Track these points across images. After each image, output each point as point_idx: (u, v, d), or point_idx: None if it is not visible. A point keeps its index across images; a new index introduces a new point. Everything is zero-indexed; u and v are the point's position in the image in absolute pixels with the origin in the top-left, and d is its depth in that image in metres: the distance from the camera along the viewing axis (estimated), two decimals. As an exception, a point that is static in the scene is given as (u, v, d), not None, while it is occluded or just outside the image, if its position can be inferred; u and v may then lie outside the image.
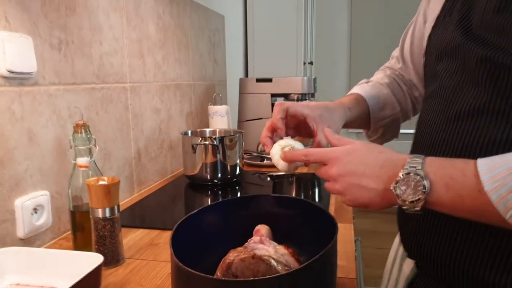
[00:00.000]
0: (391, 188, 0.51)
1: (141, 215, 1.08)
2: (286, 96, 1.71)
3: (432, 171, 0.50)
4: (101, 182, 0.74)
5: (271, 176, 1.38)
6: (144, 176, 1.24)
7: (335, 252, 0.59)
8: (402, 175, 0.50)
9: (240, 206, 0.74)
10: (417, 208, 0.50)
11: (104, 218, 0.74)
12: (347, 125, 0.80)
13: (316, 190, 1.27)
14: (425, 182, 0.49)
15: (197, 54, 1.64)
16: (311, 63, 2.79)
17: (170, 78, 1.40)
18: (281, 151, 0.68)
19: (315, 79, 1.73)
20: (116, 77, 1.08)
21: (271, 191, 1.25)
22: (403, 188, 0.50)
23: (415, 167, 0.50)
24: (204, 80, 1.73)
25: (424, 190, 0.49)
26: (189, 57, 1.56)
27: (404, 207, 0.51)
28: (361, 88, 0.87)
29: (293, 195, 1.22)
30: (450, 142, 0.58)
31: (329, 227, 0.62)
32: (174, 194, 1.27)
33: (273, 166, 1.50)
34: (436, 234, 0.60)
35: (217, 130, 1.41)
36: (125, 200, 1.14)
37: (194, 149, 1.23)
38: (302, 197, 1.20)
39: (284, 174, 1.39)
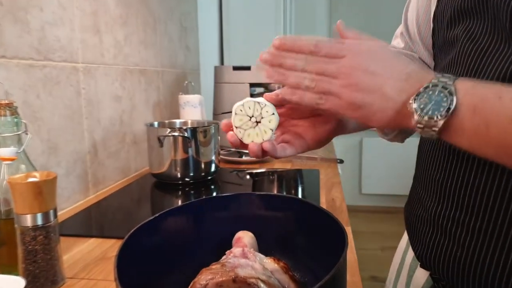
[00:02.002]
0: (410, 101, 0.40)
1: (96, 221, 0.89)
2: (266, 86, 1.56)
3: (464, 88, 0.39)
4: (30, 180, 0.56)
5: (250, 174, 1.22)
6: (101, 175, 1.05)
7: (344, 270, 0.44)
8: (428, 86, 0.40)
9: (215, 208, 0.58)
10: (435, 129, 0.39)
11: (35, 227, 0.55)
12: (353, 128, 0.62)
13: (300, 189, 1.11)
14: (453, 99, 0.38)
15: (166, 38, 1.46)
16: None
17: (133, 61, 1.21)
18: (243, 104, 0.50)
19: (297, 67, 1.58)
20: (64, 55, 0.89)
21: (250, 190, 1.09)
22: (424, 101, 0.39)
23: (445, 81, 0.39)
24: (175, 67, 1.55)
25: (450, 107, 0.38)
26: (157, 41, 1.38)
27: (419, 126, 0.40)
28: None
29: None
30: None
31: (332, 234, 0.47)
32: (139, 195, 1.09)
33: (253, 162, 1.35)
34: (467, 243, 0.47)
35: (189, 121, 1.24)
36: (78, 203, 0.96)
37: (161, 142, 1.05)
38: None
39: (265, 172, 1.23)
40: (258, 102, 0.50)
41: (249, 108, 0.50)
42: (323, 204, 0.93)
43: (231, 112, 0.52)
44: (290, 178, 1.20)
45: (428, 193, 0.56)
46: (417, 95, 0.39)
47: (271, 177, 1.21)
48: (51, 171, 0.85)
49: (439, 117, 0.38)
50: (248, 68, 1.53)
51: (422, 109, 0.39)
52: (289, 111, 0.57)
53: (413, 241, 0.60)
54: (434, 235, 0.53)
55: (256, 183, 1.17)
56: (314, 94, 0.44)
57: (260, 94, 1.56)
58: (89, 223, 0.88)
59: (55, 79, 0.86)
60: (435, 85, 0.39)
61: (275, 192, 1.09)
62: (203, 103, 1.44)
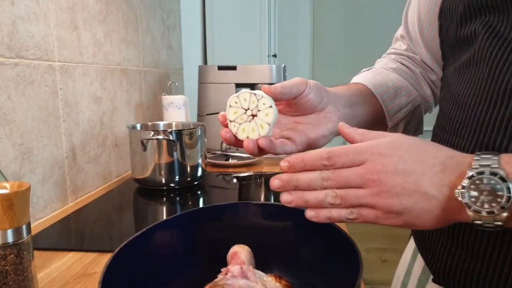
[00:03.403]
0: (456, 194, 0.35)
1: (76, 233, 0.83)
2: (253, 86, 1.51)
3: None
4: (-1, 191, 0.49)
5: (237, 178, 1.17)
6: (80, 181, 0.99)
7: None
8: (472, 175, 0.35)
9: (209, 219, 0.53)
10: (499, 223, 0.34)
11: (4, 246, 0.49)
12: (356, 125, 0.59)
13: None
14: (509, 185, 0.33)
15: (148, 37, 1.40)
16: (275, 55, 2.61)
17: (114, 60, 1.15)
18: (238, 95, 0.46)
19: (284, 67, 1.54)
20: (39, 52, 0.82)
21: (237, 194, 1.04)
22: (474, 194, 0.34)
23: (488, 164, 0.35)
24: (157, 67, 1.48)
25: (509, 195, 0.33)
26: (139, 39, 1.32)
27: (478, 222, 0.35)
28: (361, 77, 0.67)
29: (262, 199, 1.02)
30: (505, 124, 0.41)
31: (338, 247, 0.43)
32: (121, 202, 1.03)
33: (239, 166, 1.31)
34: (494, 259, 0.43)
35: (173, 123, 1.18)
36: (55, 212, 0.89)
37: (144, 146, 0.99)
38: (272, 201, 0.99)
39: (252, 175, 1.18)
40: (255, 94, 0.45)
41: (245, 100, 0.46)
42: (317, 210, 0.88)
43: (216, 113, 0.47)
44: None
45: None
46: (463, 187, 0.35)
47: (258, 180, 1.16)
48: (25, 178, 0.78)
49: (499, 209, 0.34)
50: (234, 68, 1.48)
51: (475, 203, 0.34)
52: (287, 107, 0.53)
53: (424, 253, 0.55)
54: (453, 248, 0.47)
55: (243, 187, 1.12)
56: (342, 210, 0.39)
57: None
58: (68, 234, 0.81)
59: (29, 78, 0.79)
60: (481, 173, 0.34)
61: (262, 196, 1.04)
62: (187, 104, 1.38)
